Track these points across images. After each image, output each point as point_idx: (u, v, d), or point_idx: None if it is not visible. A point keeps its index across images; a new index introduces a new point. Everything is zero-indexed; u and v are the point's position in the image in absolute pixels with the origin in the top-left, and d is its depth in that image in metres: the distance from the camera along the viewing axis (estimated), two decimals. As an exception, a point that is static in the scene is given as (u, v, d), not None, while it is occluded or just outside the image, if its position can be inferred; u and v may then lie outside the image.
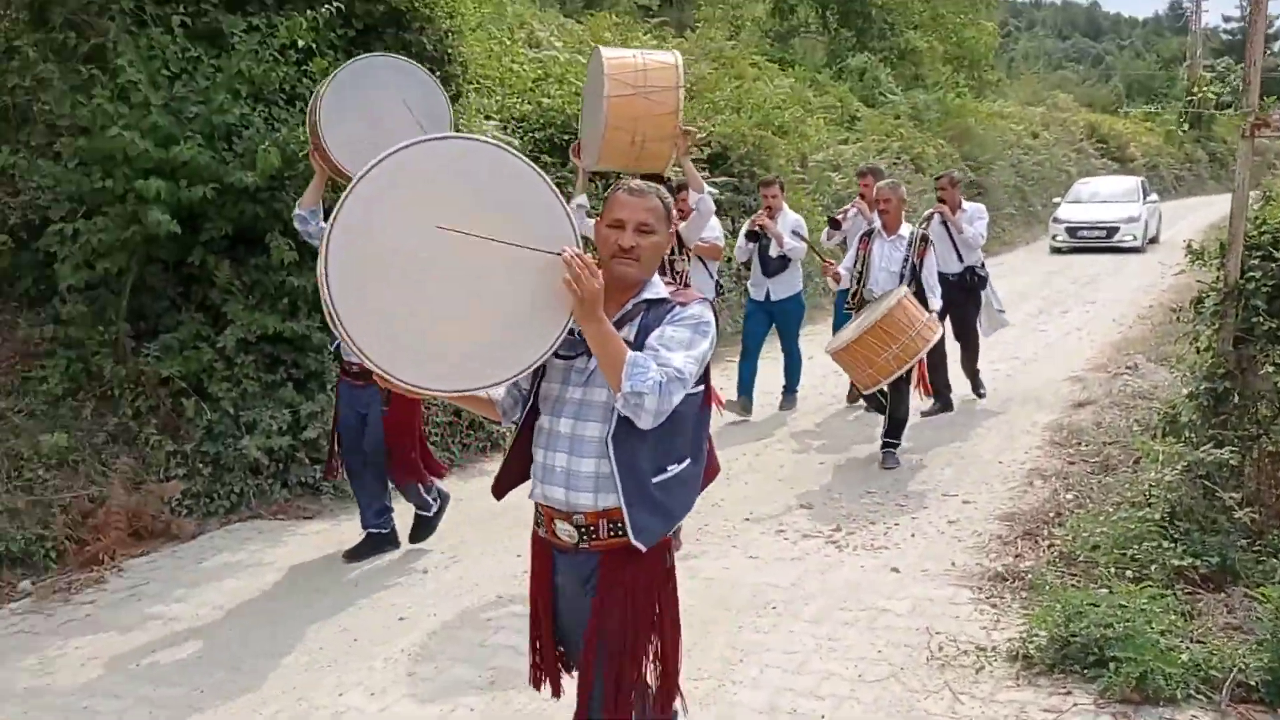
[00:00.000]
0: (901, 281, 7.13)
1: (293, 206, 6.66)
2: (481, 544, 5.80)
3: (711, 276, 7.83)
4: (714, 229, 7.70)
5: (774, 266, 8.46)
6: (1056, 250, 20.65)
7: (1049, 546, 5.45)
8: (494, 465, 6.65)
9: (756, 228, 8.41)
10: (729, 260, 9.89)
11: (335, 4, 7.03)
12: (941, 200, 8.61)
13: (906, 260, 7.18)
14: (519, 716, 4.01)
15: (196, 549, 5.85)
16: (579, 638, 2.88)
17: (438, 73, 8.34)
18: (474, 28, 10.25)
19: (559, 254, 2.55)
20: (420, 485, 5.70)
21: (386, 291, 2.51)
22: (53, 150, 6.36)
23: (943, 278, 7.66)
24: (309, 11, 6.90)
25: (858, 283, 7.33)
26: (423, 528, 5.79)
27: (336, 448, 5.70)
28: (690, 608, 4.87)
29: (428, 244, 2.51)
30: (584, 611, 2.85)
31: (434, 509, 5.78)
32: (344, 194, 2.50)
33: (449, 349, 2.56)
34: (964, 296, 8.42)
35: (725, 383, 8.82)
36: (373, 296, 2.50)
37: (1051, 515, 5.92)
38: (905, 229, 7.31)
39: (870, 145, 18.37)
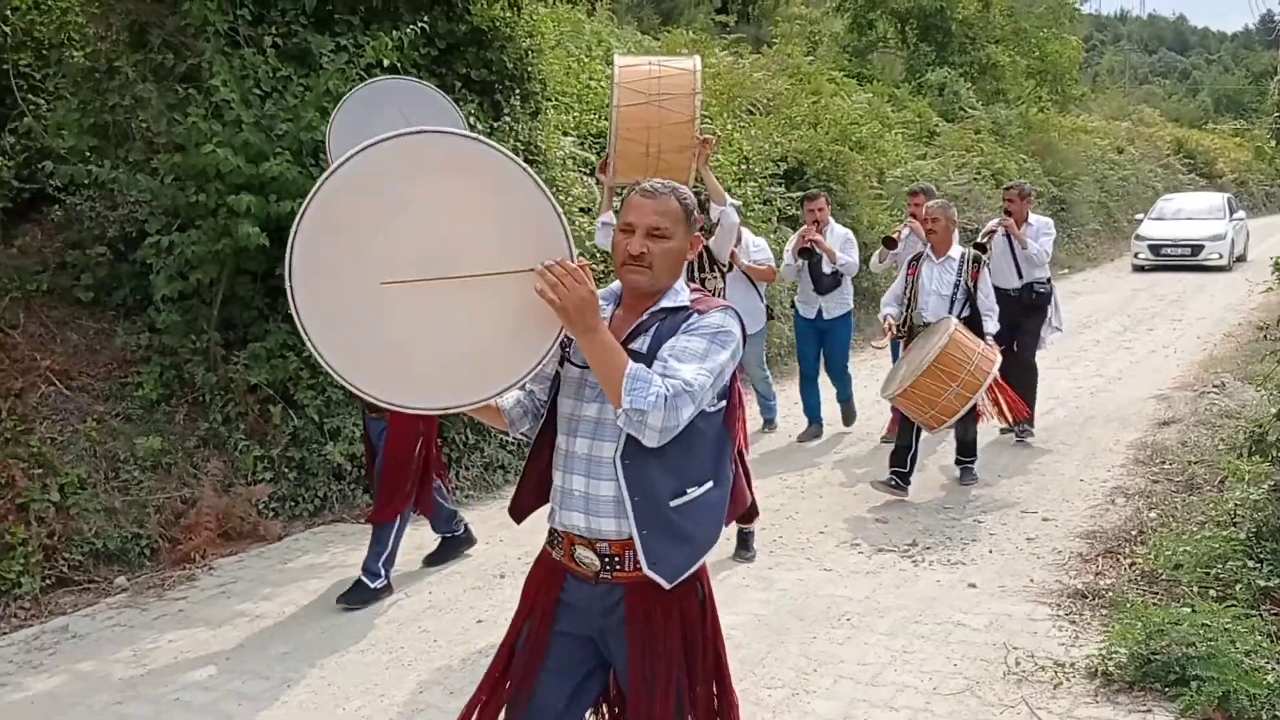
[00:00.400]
0: (953, 306, 6.75)
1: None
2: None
3: (762, 299, 7.69)
4: (763, 249, 7.59)
5: (826, 284, 8.14)
6: (1139, 269, 20.16)
7: (1130, 565, 5.35)
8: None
9: (808, 244, 8.03)
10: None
11: (420, 24, 7.22)
12: (1007, 212, 8.09)
13: (958, 284, 6.79)
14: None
15: (282, 550, 6.03)
16: (553, 694, 2.59)
17: (518, 90, 8.53)
18: (553, 45, 10.42)
19: (532, 269, 2.31)
20: (386, 552, 5.26)
21: (359, 301, 2.31)
22: (150, 166, 6.61)
23: (1001, 294, 7.36)
24: (394, 32, 7.09)
25: (907, 309, 6.93)
26: (359, 593, 5.19)
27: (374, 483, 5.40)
28: (763, 617, 4.93)
29: (405, 249, 2.32)
30: (573, 663, 2.61)
31: (380, 583, 5.24)
32: (313, 190, 2.30)
33: (431, 362, 2.36)
34: (1022, 314, 7.89)
35: (791, 409, 8.80)
36: (345, 307, 2.31)
37: (1134, 533, 5.81)
38: (956, 250, 6.90)
39: (949, 160, 18.20)
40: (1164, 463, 7.14)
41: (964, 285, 6.80)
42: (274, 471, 6.45)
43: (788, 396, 9.22)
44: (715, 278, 5.55)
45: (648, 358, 2.46)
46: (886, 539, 6.03)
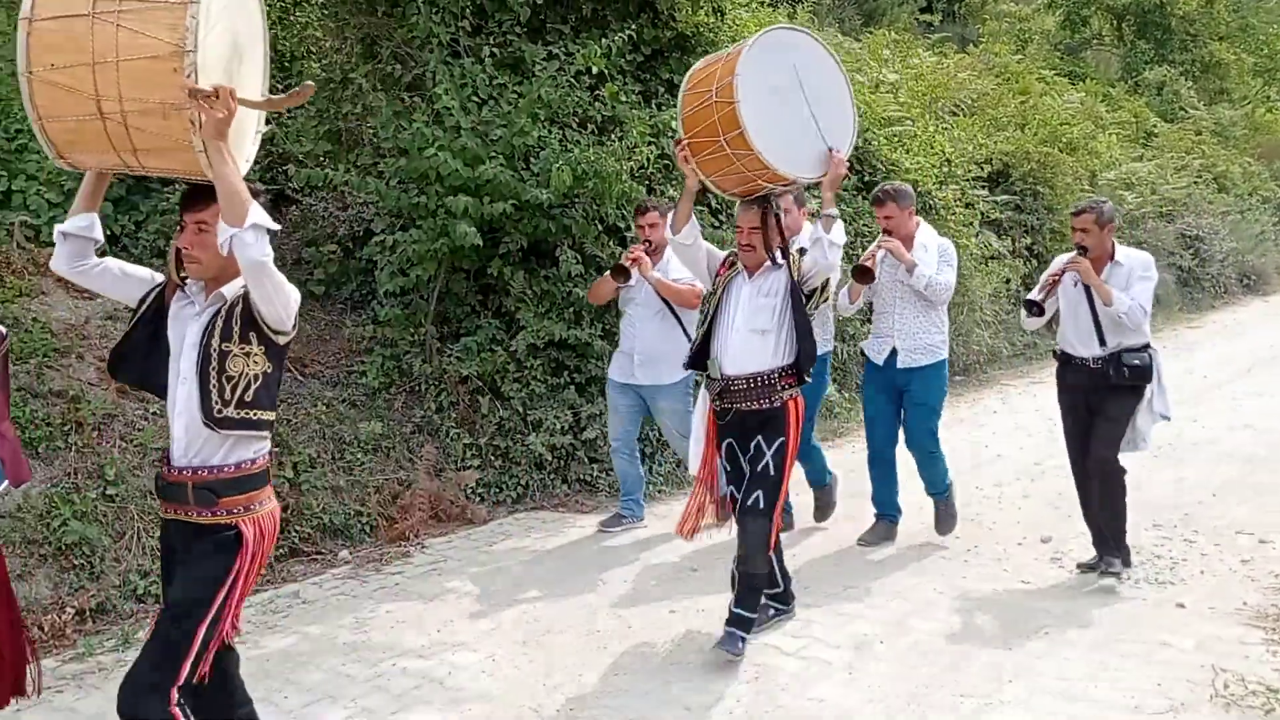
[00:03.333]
0: (779, 346, 4.55)
1: (581, 223, 7.12)
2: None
3: (689, 335, 6.06)
4: (680, 268, 5.75)
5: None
6: None
7: (1359, 593, 5.04)
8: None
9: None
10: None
11: (627, 32, 7.46)
12: (1081, 248, 5.32)
13: (784, 306, 4.56)
14: (783, 713, 4.14)
15: (488, 533, 6.36)
16: None
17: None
18: (754, 49, 10.50)
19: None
20: None
21: None
22: (377, 169, 7.10)
23: (1078, 365, 5.42)
24: (603, 39, 7.37)
25: (699, 348, 4.79)
26: None
27: None
28: (957, 626, 4.89)
29: None
30: None
31: None
32: None
33: None
34: (1103, 396, 5.37)
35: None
36: None
37: (1364, 561, 5.45)
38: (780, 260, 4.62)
39: (1167, 163, 17.31)
40: (1403, 488, 6.65)
41: (788, 301, 4.54)
42: (481, 459, 6.81)
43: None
44: (253, 357, 3.09)
45: None
46: (1089, 554, 5.84)
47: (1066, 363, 5.55)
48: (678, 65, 8.38)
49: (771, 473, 4.47)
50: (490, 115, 6.92)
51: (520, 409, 6.95)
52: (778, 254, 4.61)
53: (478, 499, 6.66)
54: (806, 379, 4.60)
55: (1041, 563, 5.79)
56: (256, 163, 7.43)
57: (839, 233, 4.54)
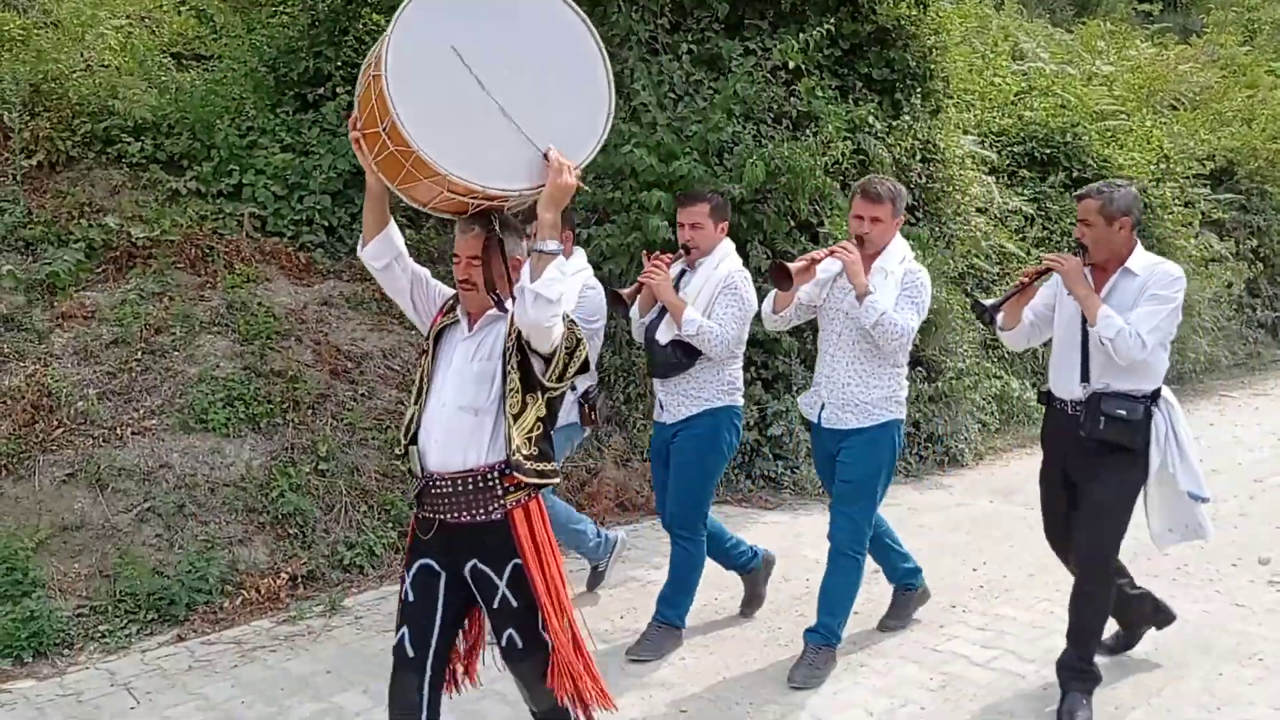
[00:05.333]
0: (497, 438, 3.01)
1: (773, 219, 7.09)
2: (938, 554, 5.83)
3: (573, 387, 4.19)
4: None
5: (664, 361, 4.57)
6: None
7: None
8: (954, 479, 6.63)
9: (634, 287, 4.75)
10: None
11: (826, 26, 7.37)
12: (1079, 246, 3.91)
13: (504, 374, 3.07)
14: (969, 723, 4.03)
15: (671, 526, 6.42)
16: None
17: (919, 89, 8.44)
18: (957, 42, 10.20)
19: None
20: None
21: None
22: (574, 165, 7.25)
23: (1057, 409, 4.06)
24: (800, 34, 7.31)
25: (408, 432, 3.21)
26: None
27: None
28: (1163, 647, 4.66)
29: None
30: None
31: None
32: None
33: None
34: (1083, 463, 3.97)
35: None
36: None
37: None
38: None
39: None
40: None
41: (502, 371, 3.02)
42: (667, 451, 6.87)
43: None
44: None
45: None
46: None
47: (1049, 404, 4.14)
48: (877, 60, 8.23)
49: (514, 603, 3.08)
50: (686, 111, 6.98)
51: (707, 403, 6.97)
52: (506, 299, 3.13)
53: (662, 491, 6.73)
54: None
55: (1258, 585, 5.41)
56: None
57: (552, 279, 2.92)
